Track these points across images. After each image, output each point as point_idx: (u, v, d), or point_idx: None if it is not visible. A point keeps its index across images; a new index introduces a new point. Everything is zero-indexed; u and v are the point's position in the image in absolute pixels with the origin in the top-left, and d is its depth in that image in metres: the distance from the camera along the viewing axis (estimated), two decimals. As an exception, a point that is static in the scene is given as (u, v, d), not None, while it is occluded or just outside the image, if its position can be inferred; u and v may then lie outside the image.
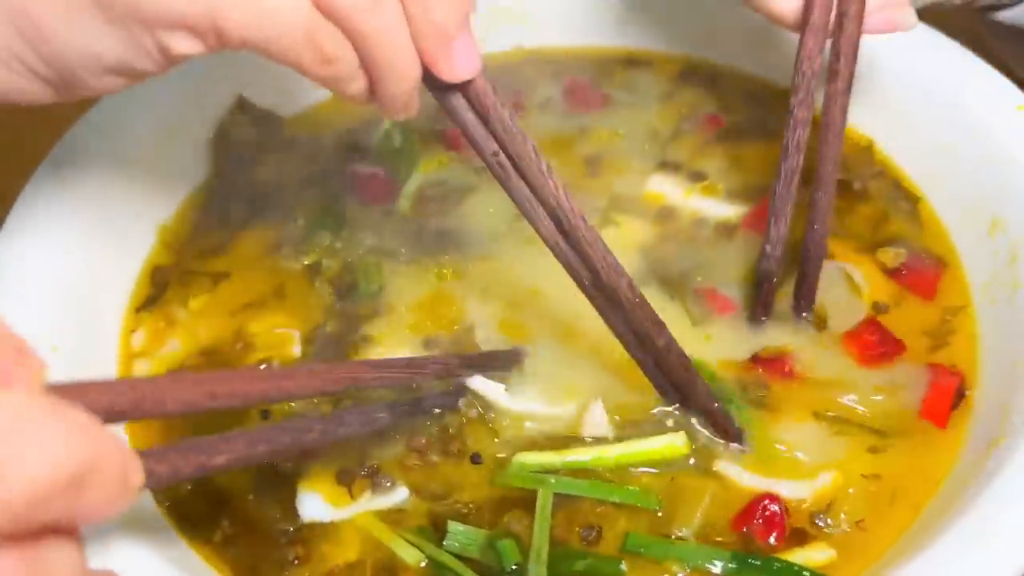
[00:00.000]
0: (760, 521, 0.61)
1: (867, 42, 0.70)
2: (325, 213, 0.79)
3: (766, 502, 0.62)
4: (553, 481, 0.62)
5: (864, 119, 0.82)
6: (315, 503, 0.64)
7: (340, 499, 0.64)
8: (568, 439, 0.65)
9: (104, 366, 0.71)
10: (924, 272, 0.74)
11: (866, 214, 0.78)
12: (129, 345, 0.73)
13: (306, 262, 0.76)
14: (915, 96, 0.79)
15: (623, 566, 0.59)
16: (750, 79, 0.88)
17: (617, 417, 0.66)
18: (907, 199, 0.78)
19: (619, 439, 0.65)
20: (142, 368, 0.72)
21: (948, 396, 0.67)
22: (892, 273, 0.74)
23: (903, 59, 0.79)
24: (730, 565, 0.59)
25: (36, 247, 0.69)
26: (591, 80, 0.89)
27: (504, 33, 0.91)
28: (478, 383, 0.67)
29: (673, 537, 0.61)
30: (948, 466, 0.64)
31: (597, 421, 0.66)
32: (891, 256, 0.75)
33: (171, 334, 0.73)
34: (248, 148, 0.83)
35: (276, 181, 0.82)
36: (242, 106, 0.84)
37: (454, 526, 0.60)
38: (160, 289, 0.75)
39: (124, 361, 0.72)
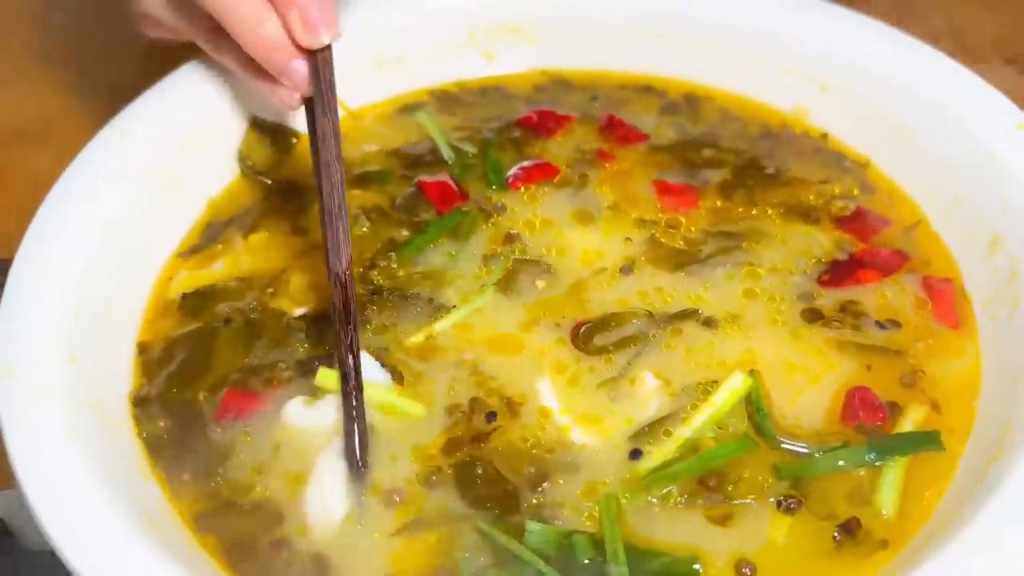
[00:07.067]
0: (863, 413, 0.66)
1: (868, 59, 0.70)
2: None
3: (855, 394, 0.66)
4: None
5: (864, 136, 0.83)
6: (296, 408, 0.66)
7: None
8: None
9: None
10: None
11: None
12: (177, 258, 0.76)
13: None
14: (915, 114, 0.80)
15: (697, 566, 0.60)
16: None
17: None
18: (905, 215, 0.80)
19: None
20: (179, 277, 0.75)
21: (950, 297, 0.73)
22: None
23: (904, 77, 0.81)
24: (869, 456, 0.64)
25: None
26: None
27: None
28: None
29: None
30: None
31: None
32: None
33: (220, 257, 0.76)
34: (264, 164, 0.84)
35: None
36: (257, 124, 0.84)
37: (531, 524, 0.61)
38: (215, 233, 0.78)
39: (169, 267, 0.75)
